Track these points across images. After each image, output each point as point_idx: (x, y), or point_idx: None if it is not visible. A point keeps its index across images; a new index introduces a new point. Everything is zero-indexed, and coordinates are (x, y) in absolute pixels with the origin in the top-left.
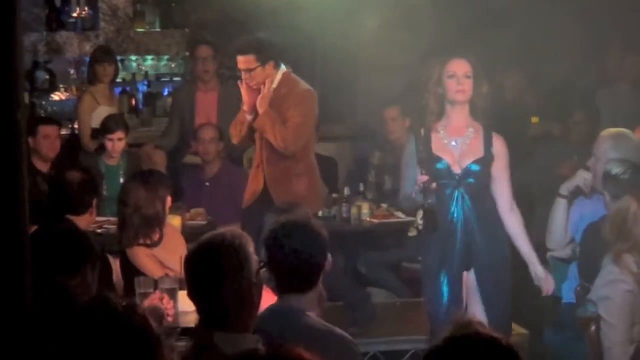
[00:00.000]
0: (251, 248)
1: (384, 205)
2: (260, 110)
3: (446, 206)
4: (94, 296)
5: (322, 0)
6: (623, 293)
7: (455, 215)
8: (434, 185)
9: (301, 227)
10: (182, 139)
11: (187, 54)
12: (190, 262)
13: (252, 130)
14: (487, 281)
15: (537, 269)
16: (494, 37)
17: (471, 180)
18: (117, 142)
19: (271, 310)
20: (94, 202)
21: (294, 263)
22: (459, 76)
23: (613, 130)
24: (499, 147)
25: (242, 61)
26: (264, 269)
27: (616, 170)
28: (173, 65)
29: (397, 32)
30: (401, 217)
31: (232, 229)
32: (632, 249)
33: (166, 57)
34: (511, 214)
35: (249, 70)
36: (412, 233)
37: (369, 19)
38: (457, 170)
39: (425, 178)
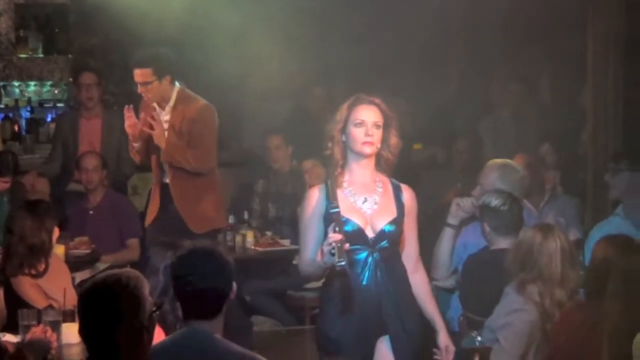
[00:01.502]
0: (146, 290)
1: (269, 233)
2: (162, 145)
3: (355, 271)
4: None
5: (206, 28)
6: (524, 322)
7: (367, 281)
8: (347, 245)
9: (208, 254)
10: (66, 166)
11: (71, 79)
12: (84, 302)
13: (147, 152)
14: (402, 349)
15: (442, 336)
16: (374, 63)
17: (385, 243)
18: (2, 184)
19: (182, 334)
20: None
21: (201, 289)
22: (367, 125)
23: (499, 160)
24: (409, 200)
25: (139, 74)
26: (156, 312)
27: (495, 202)
28: (56, 91)
29: (282, 60)
30: (286, 244)
31: (127, 270)
32: (536, 278)
33: (49, 83)
34: (416, 273)
35: (146, 84)
36: (297, 261)
37: (254, 47)
38: (370, 233)
39: (338, 236)
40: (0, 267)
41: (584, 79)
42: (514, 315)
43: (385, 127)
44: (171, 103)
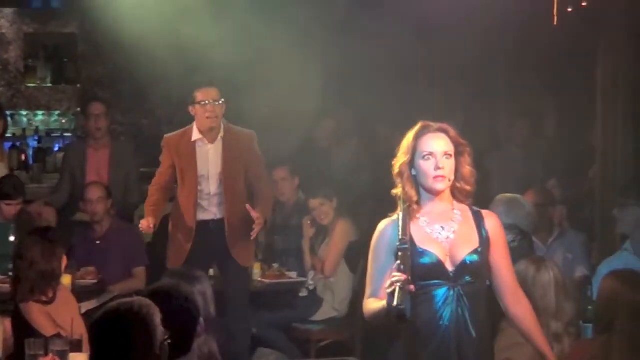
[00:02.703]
0: (158, 318)
1: (275, 266)
2: (267, 216)
3: (433, 309)
4: None
5: (214, 58)
6: (523, 355)
7: (447, 320)
8: (412, 287)
9: (167, 292)
10: (73, 196)
11: (79, 109)
12: (96, 330)
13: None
14: None
15: None
16: (381, 97)
17: (468, 278)
18: (15, 206)
19: None
20: None
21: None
22: (437, 157)
23: (507, 195)
24: (493, 228)
25: (212, 92)
26: (168, 340)
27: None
28: (64, 121)
29: (290, 92)
30: (292, 277)
31: (139, 298)
32: None
33: (57, 113)
34: (518, 305)
35: (215, 101)
36: (303, 293)
37: (262, 80)
38: (449, 266)
39: (402, 277)
40: (9, 295)
41: (592, 114)
42: (514, 349)
43: (457, 155)
44: (222, 133)
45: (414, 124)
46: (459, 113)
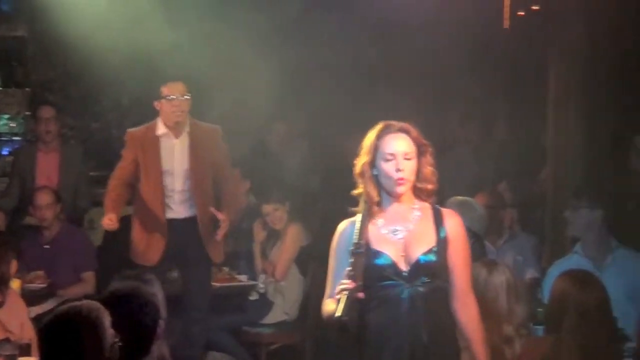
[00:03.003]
0: (107, 321)
1: (226, 269)
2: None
3: (388, 311)
4: None
5: (166, 61)
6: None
7: (401, 322)
8: (361, 294)
9: (128, 294)
10: (22, 199)
11: (29, 113)
12: (45, 335)
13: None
14: None
15: None
16: (335, 100)
17: (424, 278)
18: None
19: None
20: None
21: (123, 331)
22: (397, 158)
23: (459, 198)
24: (453, 227)
25: (179, 86)
26: (118, 343)
27: None
28: (13, 125)
29: (243, 95)
30: (243, 280)
31: (88, 302)
32: (482, 314)
33: (6, 116)
34: (464, 308)
35: (182, 95)
36: (254, 297)
37: (215, 83)
38: (403, 266)
39: (349, 285)
40: None
41: (544, 116)
42: (464, 353)
43: (419, 155)
44: (188, 128)
45: (365, 126)
46: (410, 115)
